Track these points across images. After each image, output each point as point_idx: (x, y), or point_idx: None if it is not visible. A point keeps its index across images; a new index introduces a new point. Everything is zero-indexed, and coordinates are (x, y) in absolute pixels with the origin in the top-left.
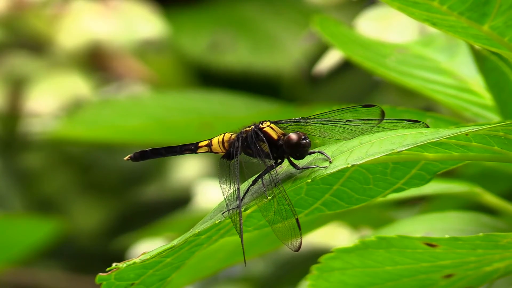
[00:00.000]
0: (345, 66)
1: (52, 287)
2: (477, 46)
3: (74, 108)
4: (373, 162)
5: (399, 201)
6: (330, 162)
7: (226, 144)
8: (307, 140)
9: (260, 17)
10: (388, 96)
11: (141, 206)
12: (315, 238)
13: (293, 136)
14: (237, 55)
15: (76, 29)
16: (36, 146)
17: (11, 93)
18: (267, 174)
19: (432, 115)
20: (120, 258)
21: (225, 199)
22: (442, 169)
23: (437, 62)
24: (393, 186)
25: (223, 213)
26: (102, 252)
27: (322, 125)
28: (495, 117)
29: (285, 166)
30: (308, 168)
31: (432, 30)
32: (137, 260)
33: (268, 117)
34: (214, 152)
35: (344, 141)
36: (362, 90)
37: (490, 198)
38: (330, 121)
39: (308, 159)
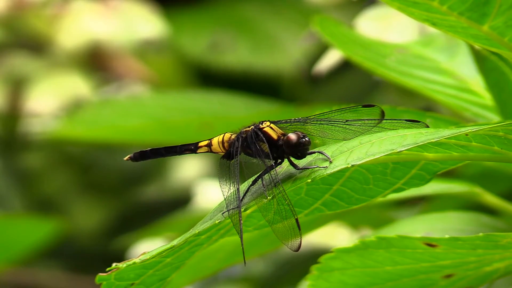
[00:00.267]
0: (345, 66)
1: (52, 287)
2: (477, 46)
3: (74, 108)
4: (373, 162)
5: (399, 201)
6: (330, 162)
7: (226, 144)
8: (307, 139)
9: (260, 17)
10: (388, 96)
11: (141, 206)
12: (315, 238)
13: (293, 136)
14: (237, 55)
15: (76, 29)
16: (36, 146)
17: (11, 93)
18: (267, 174)
19: (432, 115)
20: (120, 258)
21: (225, 199)
22: (442, 169)
23: (437, 62)
24: (393, 186)
25: (223, 213)
26: (102, 252)
27: (322, 125)
28: (495, 117)
29: (285, 166)
30: (308, 168)
31: (432, 30)
32: (137, 260)
33: (268, 117)
34: (214, 152)
35: (344, 141)
36: (362, 90)
37: (490, 198)
38: (330, 121)
39: (308, 159)
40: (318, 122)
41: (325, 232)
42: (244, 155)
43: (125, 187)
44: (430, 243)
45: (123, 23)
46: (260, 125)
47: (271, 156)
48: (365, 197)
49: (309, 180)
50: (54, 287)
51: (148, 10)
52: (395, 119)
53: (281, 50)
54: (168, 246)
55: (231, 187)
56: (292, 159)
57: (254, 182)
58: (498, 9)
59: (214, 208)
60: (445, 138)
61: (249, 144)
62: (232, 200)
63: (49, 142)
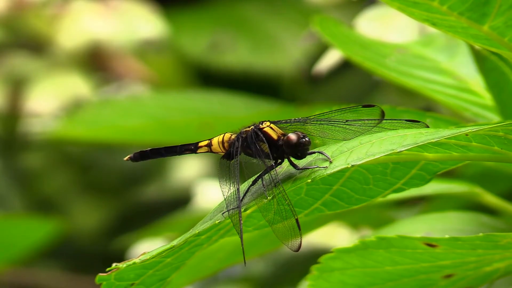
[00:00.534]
0: (345, 66)
1: (52, 287)
2: (477, 46)
3: (74, 108)
4: (373, 162)
5: (399, 201)
6: (330, 162)
7: (226, 144)
8: (307, 139)
9: (260, 17)
10: (388, 96)
11: (141, 206)
12: (315, 238)
13: (293, 136)
14: (237, 55)
15: (76, 29)
16: (36, 146)
17: (11, 93)
18: (267, 174)
19: (432, 115)
20: (120, 258)
21: (225, 199)
22: (442, 169)
23: (437, 62)
24: (393, 186)
25: (223, 213)
26: (102, 252)
27: (322, 125)
28: (495, 117)
29: (285, 166)
30: (308, 168)
31: (432, 30)
32: (137, 260)
33: (268, 117)
34: (214, 152)
35: (344, 141)
36: (362, 90)
37: (490, 198)
38: (330, 121)
39: (308, 159)
40: (318, 122)
41: (325, 232)
42: (244, 155)
43: (125, 187)
44: (430, 243)
45: (123, 23)
46: (260, 125)
47: (271, 156)
48: (365, 197)
49: (309, 180)
50: (54, 287)
51: (148, 10)
52: (395, 119)
53: (281, 50)
54: (168, 246)
55: (231, 187)
56: (292, 159)
57: (254, 182)
58: (498, 9)
59: (214, 208)
60: (445, 138)
61: (249, 144)
62: (232, 200)
63: (49, 142)
